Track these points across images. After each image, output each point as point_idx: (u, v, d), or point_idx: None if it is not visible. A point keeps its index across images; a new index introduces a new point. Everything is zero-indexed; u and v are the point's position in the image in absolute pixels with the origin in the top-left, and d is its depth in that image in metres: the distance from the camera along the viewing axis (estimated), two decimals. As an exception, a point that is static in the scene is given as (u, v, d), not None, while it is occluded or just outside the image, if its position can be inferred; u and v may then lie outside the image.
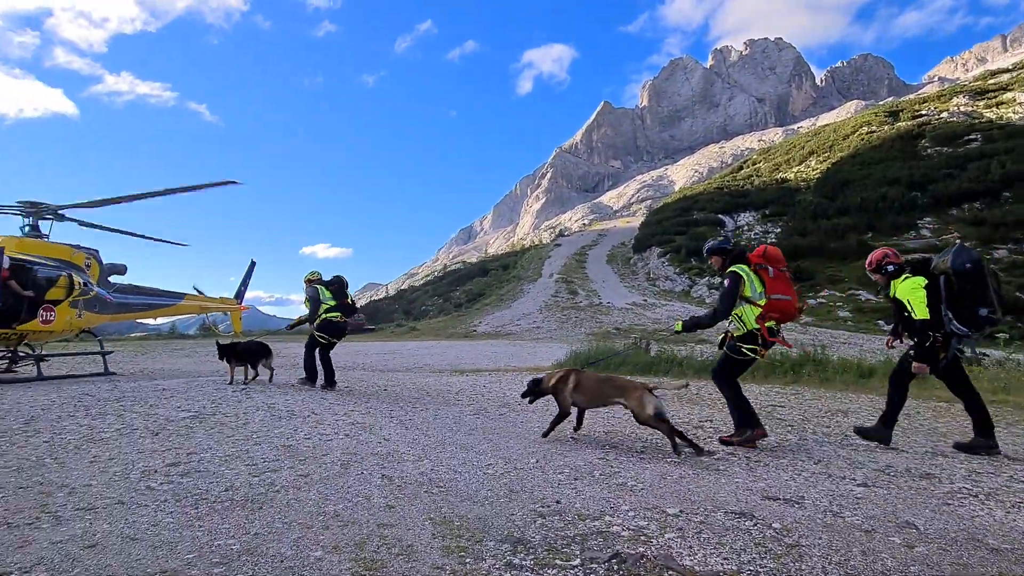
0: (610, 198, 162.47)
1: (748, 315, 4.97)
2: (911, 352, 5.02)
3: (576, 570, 2.54)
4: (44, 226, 9.86)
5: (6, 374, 8.78)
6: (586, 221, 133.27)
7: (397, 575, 2.46)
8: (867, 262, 5.45)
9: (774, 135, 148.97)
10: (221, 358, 8.16)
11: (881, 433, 5.25)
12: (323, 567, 2.51)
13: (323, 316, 8.09)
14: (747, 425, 5.05)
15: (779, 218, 51.46)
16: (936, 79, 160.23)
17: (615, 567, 2.56)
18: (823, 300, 32.64)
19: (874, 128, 63.82)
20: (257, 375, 8.41)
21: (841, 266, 36.64)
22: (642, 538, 2.89)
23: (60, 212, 9.81)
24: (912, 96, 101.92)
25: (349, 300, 8.34)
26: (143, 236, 11.83)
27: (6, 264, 8.23)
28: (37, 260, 8.94)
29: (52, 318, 8.90)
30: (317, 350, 8.16)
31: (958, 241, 5.31)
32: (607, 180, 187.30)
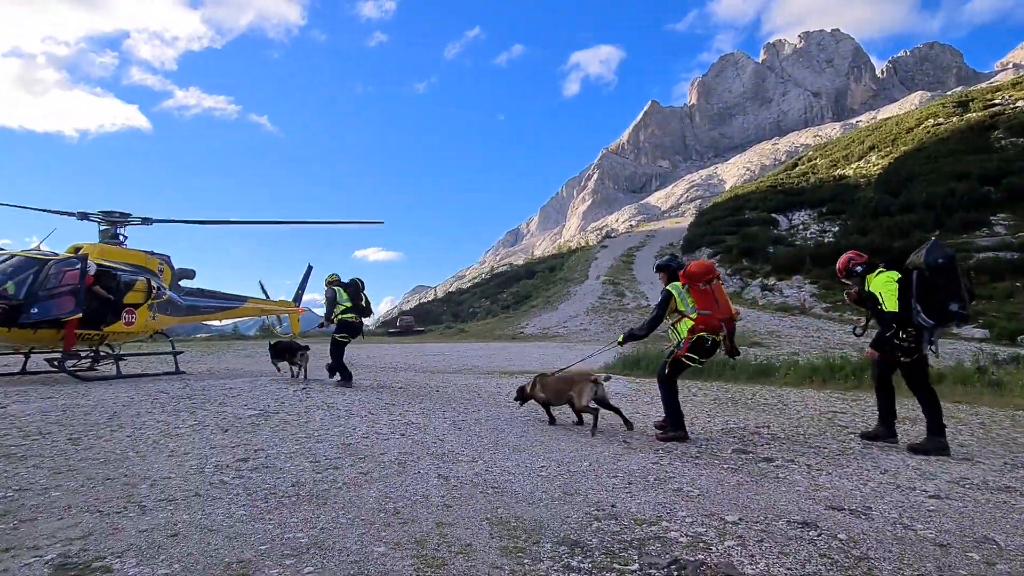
0: (658, 198, 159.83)
1: (682, 327, 5.46)
2: (903, 354, 5.10)
3: (635, 575, 2.54)
4: (122, 232, 10.58)
5: (89, 372, 9.43)
6: (633, 222, 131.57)
7: (458, 574, 2.52)
8: (836, 271, 5.66)
9: (831, 130, 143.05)
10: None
11: (930, 444, 5.10)
12: (386, 563, 2.60)
13: (339, 316, 8.60)
14: (678, 426, 5.50)
15: (837, 216, 49.32)
16: (1010, 66, 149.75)
17: (675, 574, 2.55)
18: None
19: (941, 120, 60.31)
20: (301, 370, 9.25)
21: (906, 266, 34.85)
22: (701, 545, 2.85)
23: (144, 217, 10.54)
24: (984, 85, 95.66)
25: (363, 302, 8.75)
26: (244, 222, 12.61)
27: (92, 270, 8.88)
28: (118, 266, 9.62)
29: (133, 320, 9.56)
30: (344, 348, 8.78)
31: (933, 238, 5.30)
32: (655, 180, 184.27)
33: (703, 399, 8.56)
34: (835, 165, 65.32)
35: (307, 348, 9.51)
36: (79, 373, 9.04)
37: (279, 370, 9.83)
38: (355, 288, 8.73)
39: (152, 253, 10.74)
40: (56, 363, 8.83)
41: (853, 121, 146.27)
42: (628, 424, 5.84)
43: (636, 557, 2.70)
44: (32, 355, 9.71)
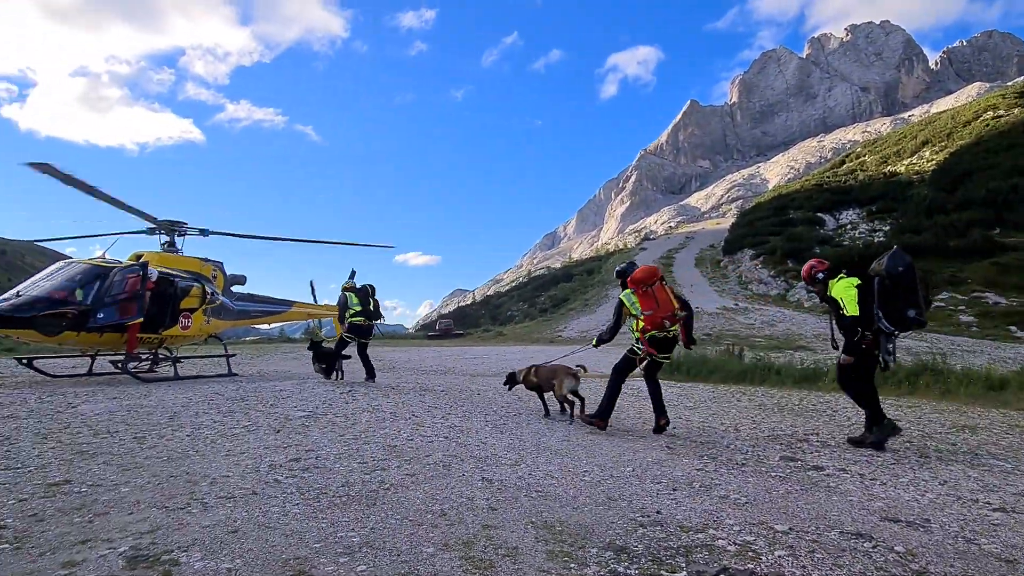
0: (698, 199, 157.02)
1: (635, 329, 6.05)
2: (846, 352, 5.35)
3: (682, 582, 2.53)
4: (178, 241, 11.14)
5: (149, 374, 9.93)
6: (672, 224, 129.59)
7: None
8: (802, 277, 6.00)
9: (881, 125, 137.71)
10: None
11: (879, 434, 5.35)
12: (436, 563, 2.67)
13: (349, 319, 9.23)
14: (601, 415, 6.04)
15: (887, 215, 47.48)
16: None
17: (723, 582, 2.53)
18: (941, 303, 29.70)
19: (1001, 112, 57.31)
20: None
21: (963, 265, 33.18)
22: (750, 554, 2.82)
23: (201, 228, 11.10)
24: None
25: (372, 306, 9.29)
26: (297, 239, 13.11)
27: (154, 276, 9.39)
28: (175, 273, 10.13)
29: (189, 324, 10.06)
30: (347, 347, 9.47)
31: (895, 246, 5.30)
32: (694, 181, 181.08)
33: (747, 404, 8.39)
34: (885, 161, 62.87)
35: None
36: (140, 375, 9.52)
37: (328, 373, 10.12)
38: (364, 293, 9.29)
39: (206, 260, 11.26)
40: (119, 365, 9.33)
41: (904, 115, 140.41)
42: (583, 411, 6.58)
43: (683, 564, 2.69)
44: (97, 357, 10.28)
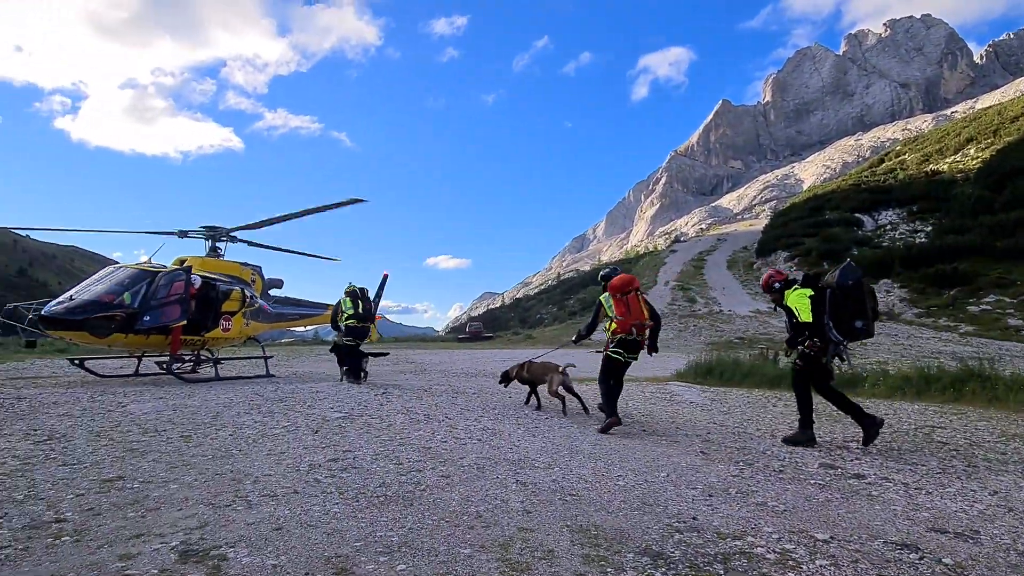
0: (730, 200, 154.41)
1: (608, 330, 6.56)
2: (807, 353, 5.70)
3: (721, 589, 2.51)
4: (220, 246, 11.51)
5: (191, 374, 10.27)
6: (703, 225, 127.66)
7: (543, 578, 2.59)
8: (761, 285, 6.39)
9: (922, 123, 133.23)
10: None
11: (803, 436, 5.77)
12: (473, 564, 2.71)
13: (345, 323, 9.61)
14: (610, 414, 6.30)
15: (929, 215, 45.87)
16: None
17: (763, 590, 2.50)
18: (987, 307, 28.54)
19: (1053, 106, 54.80)
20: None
21: (1011, 267, 31.83)
22: (790, 563, 2.78)
23: (232, 234, 11.43)
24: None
25: (360, 309, 9.65)
26: (300, 252, 13.41)
27: (197, 283, 9.74)
28: (217, 277, 10.48)
29: (230, 327, 10.39)
30: (343, 351, 9.86)
31: (848, 260, 5.41)
32: (726, 182, 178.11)
33: (783, 410, 8.22)
34: (927, 160, 60.80)
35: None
36: (183, 375, 9.86)
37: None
38: (355, 297, 9.68)
39: (246, 264, 11.61)
40: (164, 366, 9.69)
41: (947, 112, 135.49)
42: (585, 409, 7.30)
43: (722, 571, 2.67)
44: (143, 358, 10.68)
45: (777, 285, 6.10)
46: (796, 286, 5.91)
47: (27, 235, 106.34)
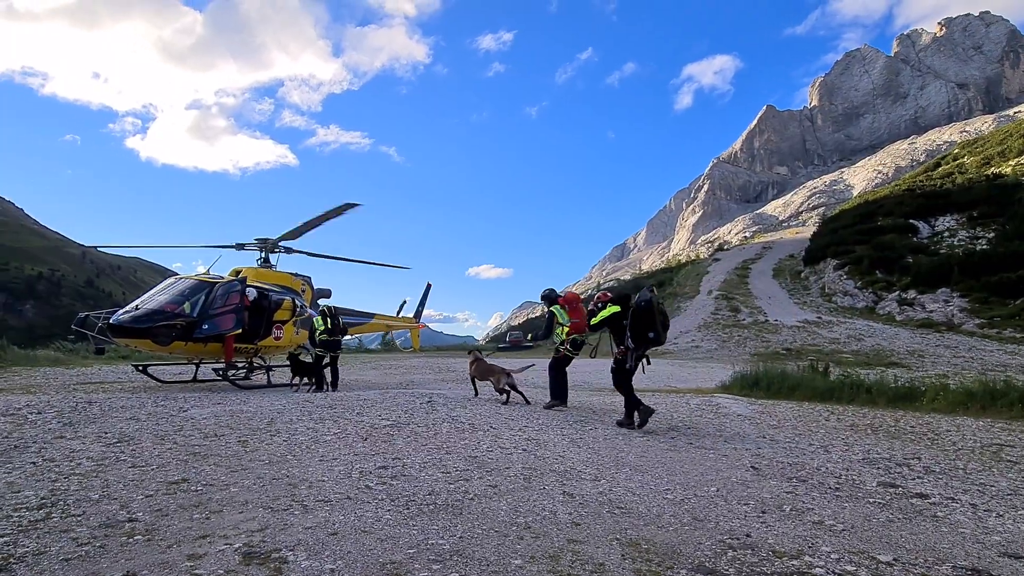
0: (775, 207, 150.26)
1: (562, 333, 8.58)
2: (617, 357, 7.27)
3: (779, 609, 2.46)
4: (272, 257, 11.98)
5: (245, 381, 10.67)
6: (747, 233, 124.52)
7: (595, 591, 2.59)
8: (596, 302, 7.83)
9: (982, 124, 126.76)
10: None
11: (627, 421, 7.23)
12: (524, 575, 2.73)
13: (319, 338, 10.38)
14: (558, 398, 8.62)
15: (991, 221, 43.43)
16: None
17: (823, 611, 2.43)
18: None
19: None
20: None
21: (1086, 277, 29.81)
22: (851, 584, 2.70)
23: (286, 246, 11.90)
24: None
25: (330, 326, 10.52)
26: (363, 261, 13.94)
27: (252, 295, 10.18)
28: (269, 287, 10.91)
29: (281, 335, 10.79)
30: (323, 361, 10.72)
31: (645, 287, 7.68)
32: (771, 188, 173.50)
33: (836, 424, 7.93)
34: (988, 163, 57.80)
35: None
36: (238, 382, 10.26)
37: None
38: (325, 315, 10.48)
39: (296, 275, 12.04)
40: (220, 373, 10.11)
41: (1010, 112, 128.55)
42: (527, 401, 8.94)
43: (779, 591, 2.61)
44: (201, 365, 11.17)
45: (600, 306, 7.65)
46: (610, 304, 7.55)
47: (94, 246, 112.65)
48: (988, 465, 5.50)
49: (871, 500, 4.17)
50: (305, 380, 10.64)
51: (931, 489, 4.53)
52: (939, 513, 3.90)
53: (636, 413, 7.12)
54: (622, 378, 7.30)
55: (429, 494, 3.94)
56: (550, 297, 8.99)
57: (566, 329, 8.45)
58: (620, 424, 7.22)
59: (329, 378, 10.77)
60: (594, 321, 7.48)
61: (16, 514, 3.29)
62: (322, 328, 10.47)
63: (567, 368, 8.84)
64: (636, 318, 7.00)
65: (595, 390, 12.48)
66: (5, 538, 2.98)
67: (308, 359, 11.19)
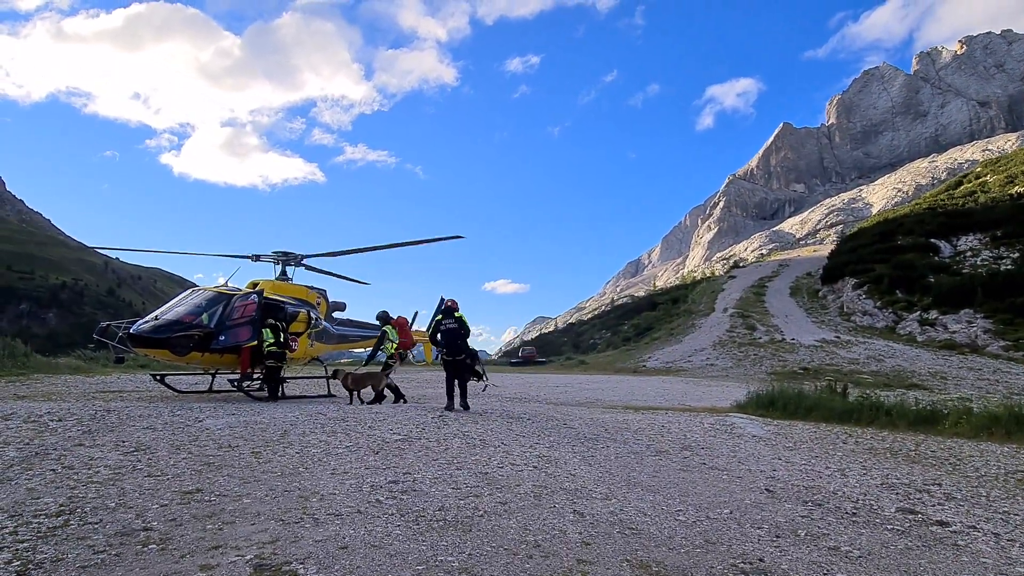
0: (792, 225, 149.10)
1: (390, 347, 10.86)
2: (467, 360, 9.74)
3: (791, 636, 2.42)
4: (288, 270, 12.17)
5: (260, 392, 10.76)
6: (764, 251, 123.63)
7: (604, 612, 2.57)
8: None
9: (1004, 142, 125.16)
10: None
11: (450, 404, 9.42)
12: (533, 594, 2.72)
13: (267, 349, 10.49)
14: (449, 398, 9.69)
15: (1016, 240, 42.65)
16: None
17: (837, 640, 2.39)
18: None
19: None
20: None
21: (1116, 299, 29.10)
22: (866, 613, 2.64)
23: (304, 260, 12.10)
24: None
25: (281, 339, 10.59)
26: (412, 243, 13.25)
27: (267, 305, 10.35)
28: (285, 300, 11.05)
29: (296, 347, 10.90)
30: (275, 372, 10.86)
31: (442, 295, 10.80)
32: (788, 206, 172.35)
33: (854, 447, 7.78)
34: (1011, 181, 56.96)
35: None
36: (252, 393, 10.36)
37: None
38: (276, 329, 10.56)
39: (312, 288, 12.20)
40: (235, 383, 10.21)
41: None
42: (404, 400, 10.99)
43: (791, 617, 2.57)
44: (216, 376, 11.31)
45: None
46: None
47: (116, 257, 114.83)
48: (1012, 493, 5.36)
49: (889, 527, 4.08)
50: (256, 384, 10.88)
51: (952, 517, 4.43)
52: (960, 542, 3.80)
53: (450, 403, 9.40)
54: (462, 376, 9.67)
55: (439, 510, 3.94)
56: (384, 318, 11.07)
57: (395, 345, 10.88)
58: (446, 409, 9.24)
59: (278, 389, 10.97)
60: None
61: (36, 520, 3.36)
62: (271, 340, 10.52)
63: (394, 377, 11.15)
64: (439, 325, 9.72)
65: (607, 407, 12.39)
66: (25, 544, 3.04)
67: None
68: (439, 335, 9.62)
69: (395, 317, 11.18)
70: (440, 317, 9.83)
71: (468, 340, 9.70)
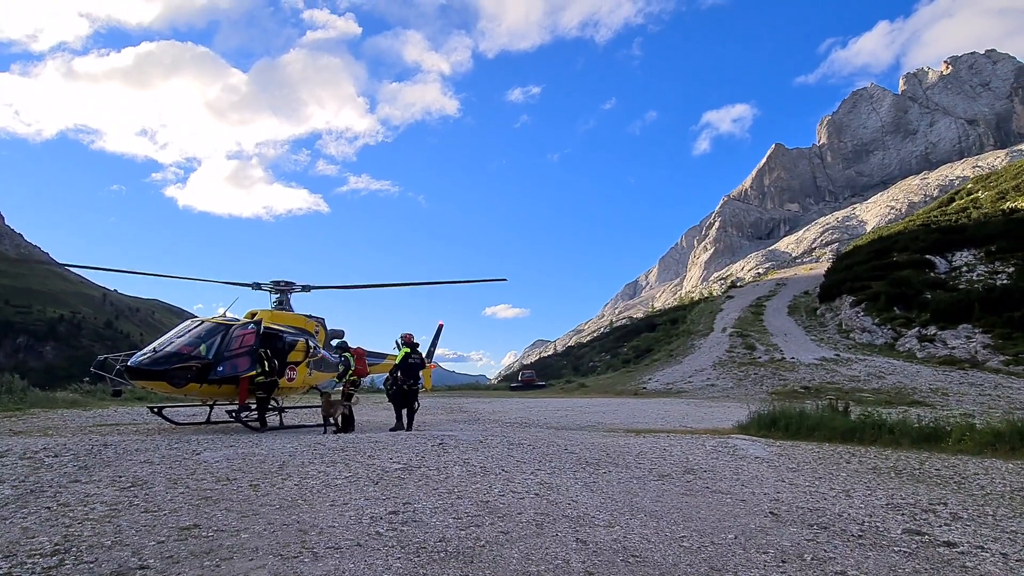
0: (787, 244, 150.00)
1: (349, 375, 11.39)
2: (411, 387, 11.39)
3: (799, 665, 2.38)
4: (286, 299, 12.20)
5: (256, 423, 10.67)
6: (760, 270, 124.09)
7: (608, 644, 2.52)
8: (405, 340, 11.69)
9: (994, 159, 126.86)
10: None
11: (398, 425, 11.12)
12: (536, 626, 2.67)
13: (258, 380, 10.41)
14: (398, 419, 11.45)
15: (1010, 256, 42.87)
16: None
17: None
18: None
19: None
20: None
21: (1113, 311, 29.14)
22: (875, 639, 2.60)
23: (307, 287, 12.19)
24: None
25: (267, 367, 10.51)
26: (456, 282, 15.11)
27: (265, 334, 10.30)
28: (284, 329, 11.04)
29: (295, 376, 10.85)
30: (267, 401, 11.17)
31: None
32: (783, 225, 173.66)
33: (858, 467, 7.72)
34: (1003, 197, 57.53)
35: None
36: (251, 423, 10.28)
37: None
38: (260, 359, 10.47)
39: (310, 316, 12.19)
40: (233, 414, 10.13)
41: (1022, 147, 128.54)
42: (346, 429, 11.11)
43: (799, 645, 2.53)
44: (214, 406, 11.23)
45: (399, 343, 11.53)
46: (405, 348, 11.38)
47: (115, 289, 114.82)
48: (1019, 511, 5.31)
49: (896, 549, 4.04)
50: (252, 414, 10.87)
51: (959, 537, 4.38)
52: (968, 563, 3.76)
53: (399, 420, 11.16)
54: (409, 403, 11.32)
55: (440, 540, 3.89)
56: (344, 347, 11.82)
57: (352, 375, 11.47)
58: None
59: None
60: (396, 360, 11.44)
61: (30, 560, 3.31)
62: (257, 371, 10.49)
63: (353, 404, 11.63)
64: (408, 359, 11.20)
65: (608, 431, 12.29)
66: (18, 586, 2.98)
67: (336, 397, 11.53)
68: (408, 368, 11.27)
69: (353, 347, 11.80)
70: (408, 350, 11.33)
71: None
